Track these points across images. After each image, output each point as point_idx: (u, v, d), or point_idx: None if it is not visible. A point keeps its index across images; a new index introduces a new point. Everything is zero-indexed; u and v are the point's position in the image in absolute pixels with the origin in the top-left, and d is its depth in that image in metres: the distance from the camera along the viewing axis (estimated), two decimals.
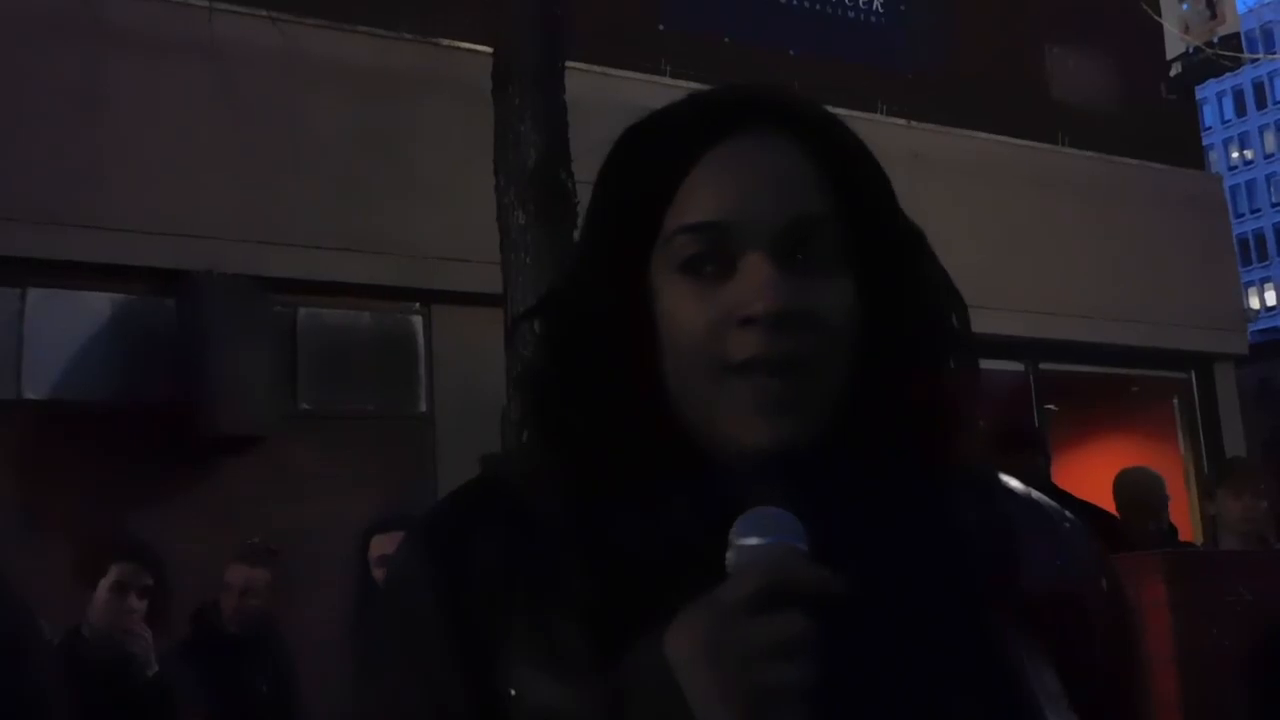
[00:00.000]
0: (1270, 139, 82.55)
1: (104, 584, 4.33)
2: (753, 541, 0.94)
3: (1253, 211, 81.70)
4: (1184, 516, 10.13)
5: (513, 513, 1.07)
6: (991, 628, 1.03)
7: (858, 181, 1.09)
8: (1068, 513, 1.15)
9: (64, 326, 7.17)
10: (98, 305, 7.27)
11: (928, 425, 1.06)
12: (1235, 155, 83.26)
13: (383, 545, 4.67)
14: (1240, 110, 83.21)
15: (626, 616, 0.96)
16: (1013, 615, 1.04)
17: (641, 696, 0.93)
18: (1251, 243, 79.90)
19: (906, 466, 1.05)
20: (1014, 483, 1.16)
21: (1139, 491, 5.98)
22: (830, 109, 1.13)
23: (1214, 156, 76.63)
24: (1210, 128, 78.26)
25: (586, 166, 1.16)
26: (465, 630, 1.03)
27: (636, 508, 1.02)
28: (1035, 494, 1.15)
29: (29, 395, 7.07)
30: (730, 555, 0.95)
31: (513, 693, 1.00)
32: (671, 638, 0.93)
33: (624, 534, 1.01)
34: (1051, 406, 10.57)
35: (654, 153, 1.09)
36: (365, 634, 1.13)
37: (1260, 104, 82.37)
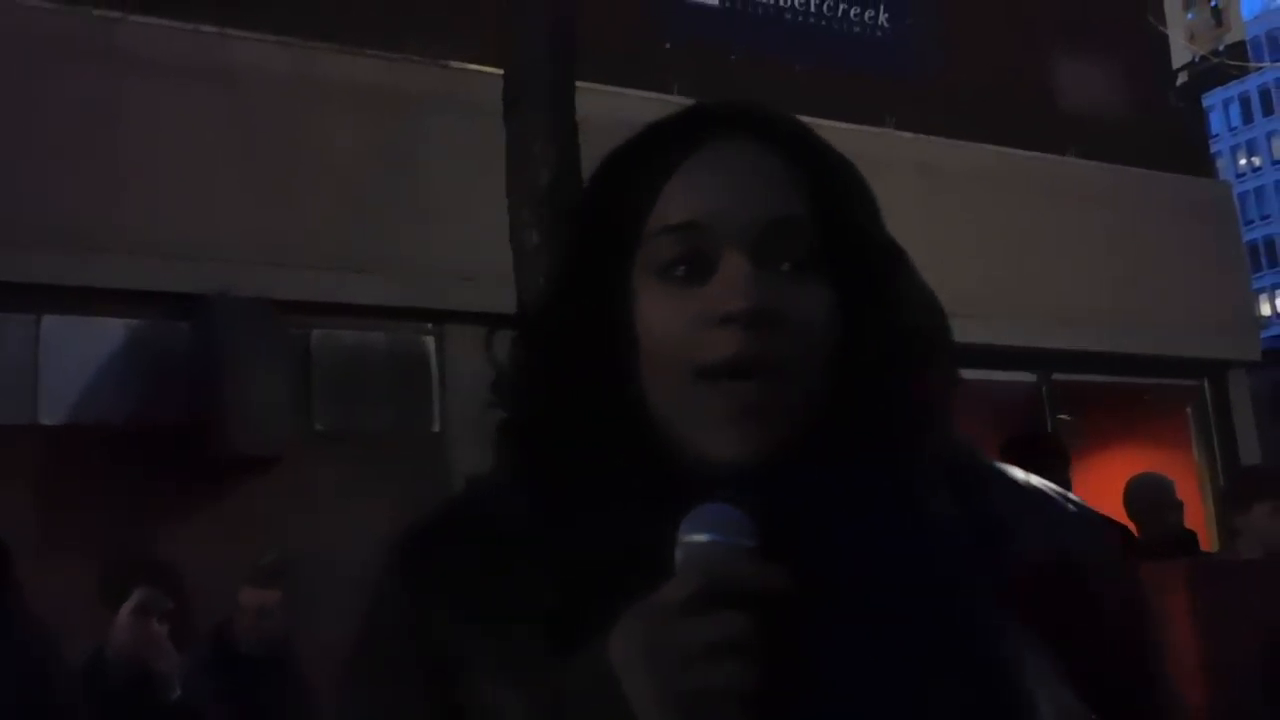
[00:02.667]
0: (1278, 145, 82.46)
1: (126, 608, 4.36)
2: (698, 539, 0.93)
3: (1262, 218, 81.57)
4: (1199, 525, 10.12)
5: (483, 526, 1.07)
6: (974, 620, 1.01)
7: (837, 190, 1.08)
8: (1072, 496, 1.15)
9: (79, 351, 7.20)
10: (113, 330, 7.31)
11: (902, 432, 1.05)
12: (1243, 162, 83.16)
13: None
14: (1248, 117, 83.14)
15: (591, 626, 0.95)
16: (1001, 605, 1.02)
17: (582, 699, 0.93)
18: (1261, 249, 79.75)
19: (881, 472, 1.03)
20: (1013, 473, 1.15)
21: (1149, 495, 5.93)
22: (831, 123, 1.14)
23: (1222, 163, 76.51)
24: (1218, 134, 78.09)
25: None
26: (431, 646, 1.03)
27: (605, 517, 1.01)
28: (1035, 481, 1.15)
29: (45, 420, 7.10)
30: (677, 553, 0.93)
31: (472, 703, 1.00)
32: (613, 639, 0.92)
33: (592, 543, 1.00)
34: (1065, 416, 10.56)
35: (636, 162, 1.09)
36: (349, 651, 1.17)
37: (1267, 110, 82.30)
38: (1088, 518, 1.14)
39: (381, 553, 1.15)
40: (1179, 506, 6.10)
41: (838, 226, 1.06)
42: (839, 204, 1.07)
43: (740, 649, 0.89)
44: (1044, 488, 1.15)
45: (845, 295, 1.05)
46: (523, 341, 1.12)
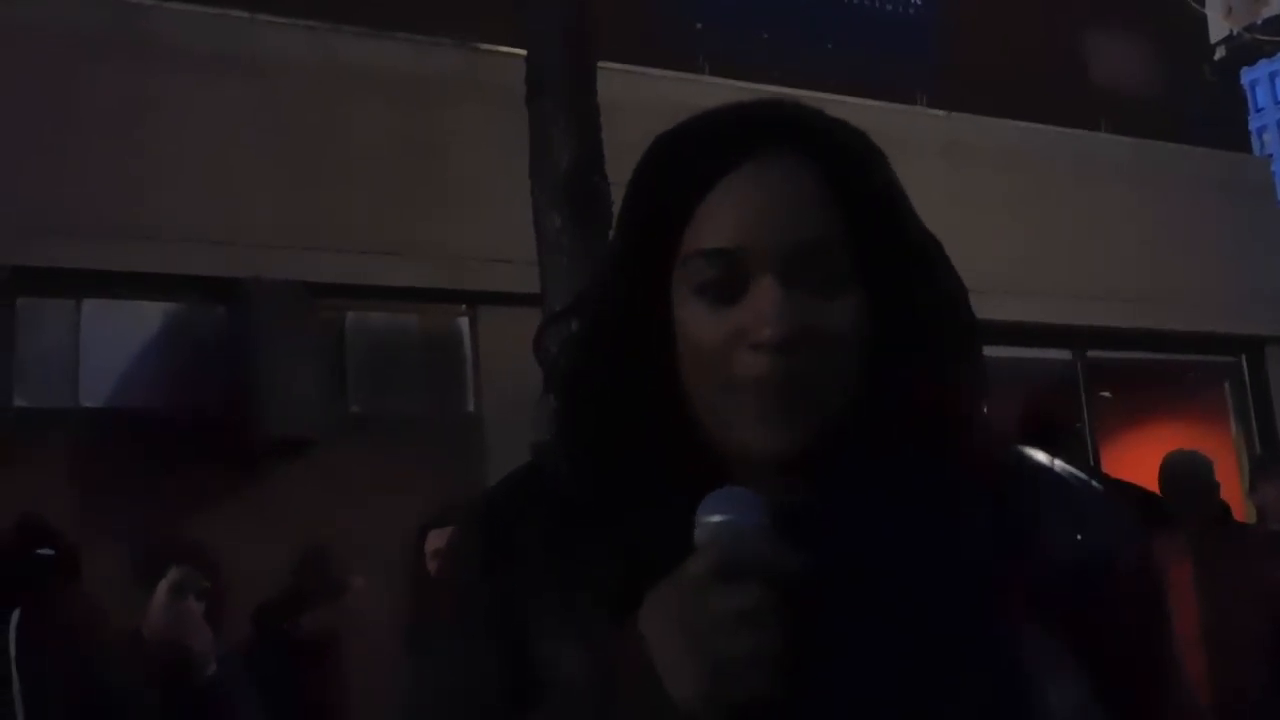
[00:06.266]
0: None
1: (162, 586, 4.41)
2: (716, 519, 1.00)
3: None
4: (1237, 502, 10.06)
5: (551, 499, 1.15)
6: (993, 610, 1.06)
7: (870, 201, 1.13)
8: (1094, 482, 1.18)
9: (118, 336, 7.30)
10: (150, 315, 7.40)
11: (935, 424, 1.11)
12: None
13: (438, 540, 4.73)
14: None
15: (642, 599, 1.02)
16: (1021, 596, 1.07)
17: (622, 667, 0.99)
18: None
19: (915, 462, 1.09)
20: (1038, 457, 1.19)
21: (1182, 473, 5.90)
22: (862, 101, 1.16)
23: (1267, 138, 75.37)
24: (1263, 108, 76.98)
25: (623, 168, 1.24)
26: (504, 605, 1.13)
27: (656, 500, 1.09)
28: (1059, 466, 1.18)
29: (86, 404, 7.21)
30: (697, 532, 1.00)
31: (542, 663, 1.09)
32: (644, 611, 0.99)
33: (643, 524, 1.08)
34: (1106, 394, 10.52)
35: (675, 172, 1.14)
36: (421, 607, 1.27)
37: None
38: (1113, 509, 1.17)
39: (461, 518, 1.27)
40: (1216, 486, 6.03)
41: (870, 238, 1.11)
42: (872, 216, 1.12)
43: (761, 618, 0.95)
44: (1070, 474, 1.17)
45: (876, 298, 1.11)
46: (577, 335, 1.20)
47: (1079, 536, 1.12)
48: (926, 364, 1.11)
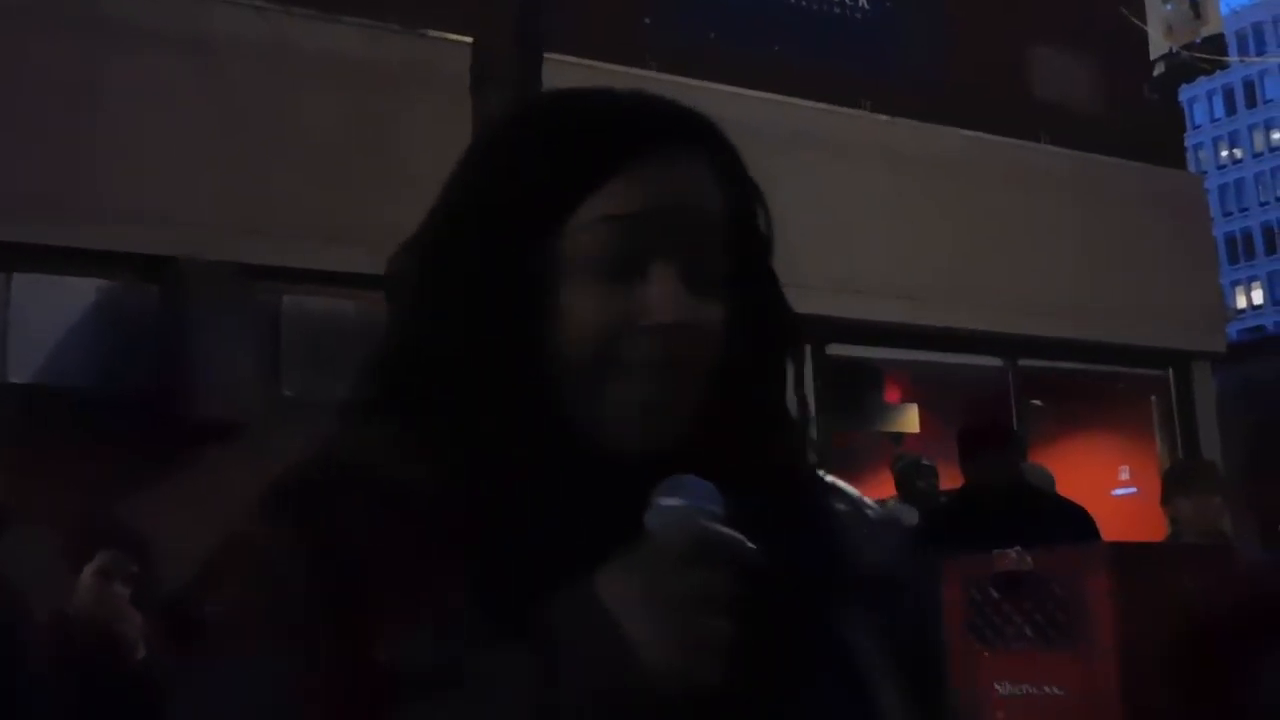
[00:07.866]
0: (1259, 138, 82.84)
1: (88, 570, 4.38)
2: (675, 502, 0.98)
3: (1241, 210, 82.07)
4: (1158, 515, 10.23)
5: (374, 485, 1.06)
6: (834, 614, 1.12)
7: (750, 208, 1.16)
8: (870, 501, 1.26)
9: (49, 312, 7.20)
10: (83, 291, 7.31)
11: (770, 430, 1.15)
12: (1224, 154, 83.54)
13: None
14: (1230, 109, 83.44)
15: (501, 588, 1.00)
16: (846, 600, 1.14)
17: (577, 640, 0.96)
18: (1239, 241, 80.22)
19: (754, 466, 1.10)
20: (830, 478, 1.25)
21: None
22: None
23: (1203, 155, 76.79)
24: (1200, 126, 78.40)
25: None
26: (334, 598, 1.01)
27: (510, 487, 1.04)
28: (843, 485, 1.25)
29: (13, 379, 7.11)
30: (650, 514, 0.98)
31: (393, 660, 0.98)
32: (607, 583, 0.96)
33: (499, 512, 1.03)
34: (1037, 402, 10.66)
35: (581, 141, 1.10)
36: (221, 601, 1.12)
37: (1250, 103, 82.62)
38: (889, 522, 1.29)
39: (264, 503, 1.14)
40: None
41: (744, 249, 1.14)
42: (748, 220, 1.16)
43: (726, 603, 0.95)
44: (849, 491, 1.25)
45: (733, 308, 1.11)
46: (423, 304, 1.16)
47: (867, 547, 1.20)
48: (767, 377, 1.16)
